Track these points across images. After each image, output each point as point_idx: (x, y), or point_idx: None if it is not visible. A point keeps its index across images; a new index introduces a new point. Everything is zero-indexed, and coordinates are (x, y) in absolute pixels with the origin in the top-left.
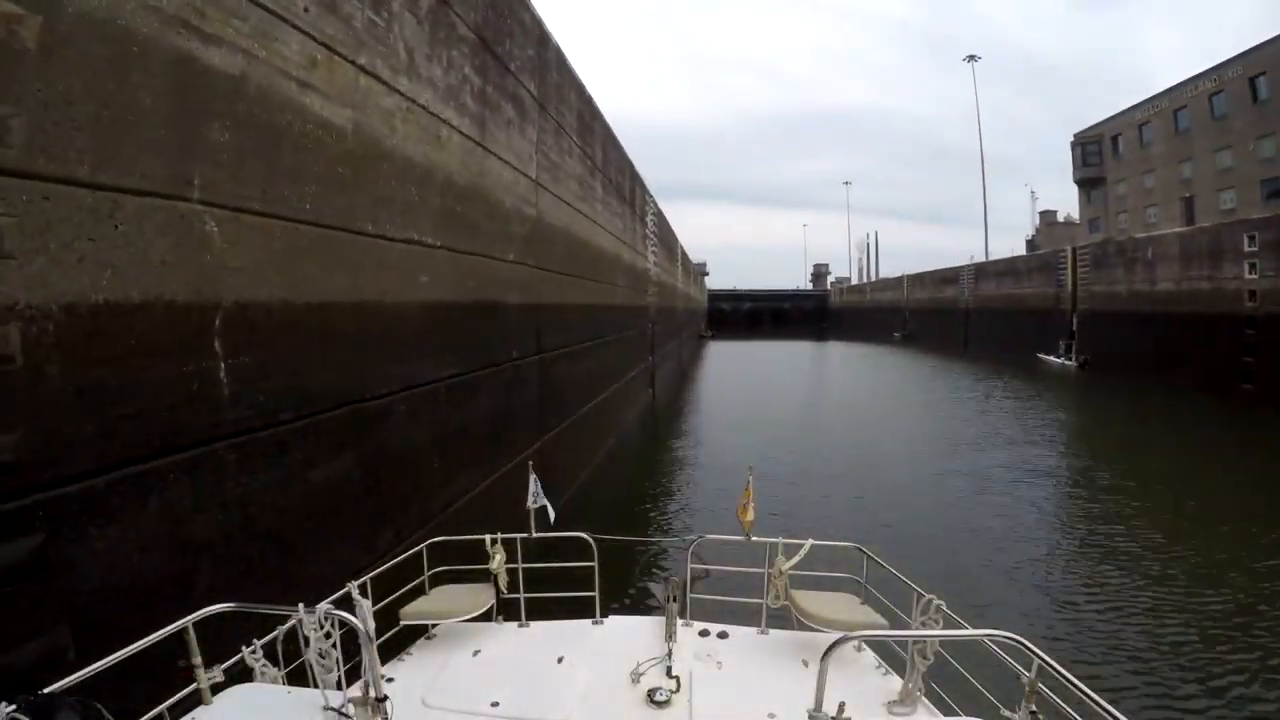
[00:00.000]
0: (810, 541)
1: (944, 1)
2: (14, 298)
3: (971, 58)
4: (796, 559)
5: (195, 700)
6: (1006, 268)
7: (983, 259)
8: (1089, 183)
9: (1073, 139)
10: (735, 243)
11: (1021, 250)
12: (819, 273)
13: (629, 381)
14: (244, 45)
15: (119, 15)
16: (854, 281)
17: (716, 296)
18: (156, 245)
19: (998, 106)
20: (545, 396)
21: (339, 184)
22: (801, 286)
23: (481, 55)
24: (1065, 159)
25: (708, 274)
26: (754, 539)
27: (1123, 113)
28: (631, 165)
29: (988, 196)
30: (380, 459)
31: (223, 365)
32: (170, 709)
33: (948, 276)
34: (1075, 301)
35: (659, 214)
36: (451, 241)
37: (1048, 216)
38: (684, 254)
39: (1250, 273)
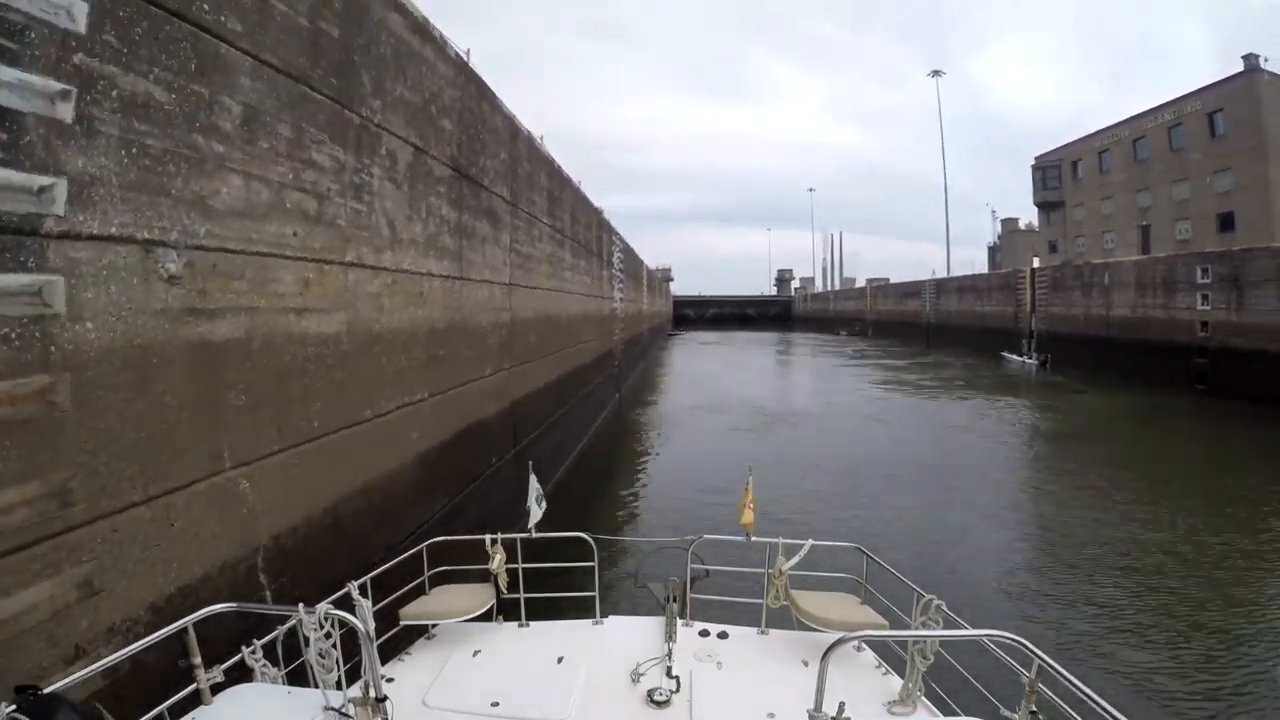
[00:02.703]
0: (810, 541)
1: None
2: None
3: (936, 73)
4: (796, 559)
5: (195, 700)
6: (968, 284)
7: (945, 270)
8: (1048, 206)
9: (1034, 162)
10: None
11: (984, 256)
12: (782, 278)
13: (596, 426)
14: (244, 303)
15: (136, 337)
16: (818, 282)
17: (681, 303)
18: (206, 519)
19: (987, 172)
20: (519, 491)
21: (338, 386)
22: (765, 292)
23: (457, 185)
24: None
25: (672, 279)
26: (754, 539)
27: (1083, 139)
28: (599, 214)
29: (959, 217)
30: None
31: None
32: (170, 709)
33: (910, 290)
34: (1033, 321)
35: (625, 248)
36: (436, 386)
37: (1009, 224)
38: (649, 273)
39: (1203, 304)
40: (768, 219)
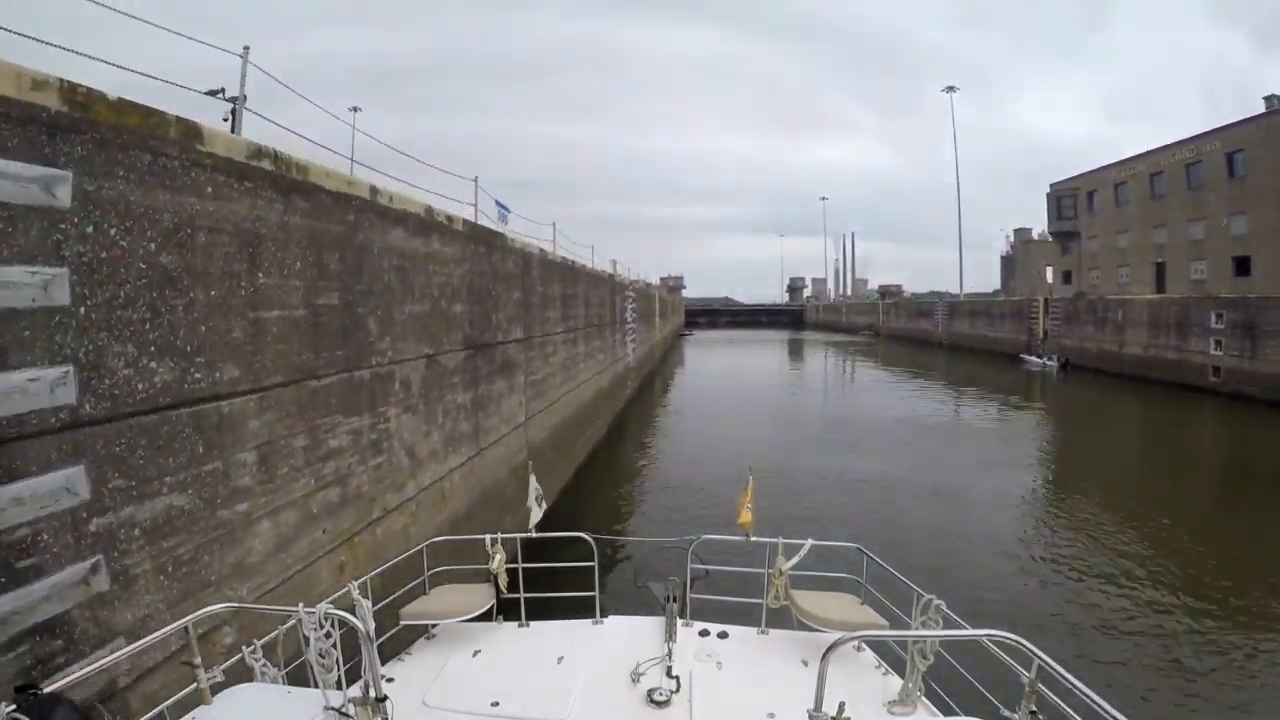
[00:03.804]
0: (810, 541)
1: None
2: None
3: (950, 88)
4: (796, 559)
5: (195, 700)
6: (980, 309)
7: (959, 282)
8: (1063, 235)
9: (1049, 189)
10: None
11: (995, 260)
12: (794, 286)
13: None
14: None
15: None
16: (830, 284)
17: (693, 310)
18: None
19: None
20: None
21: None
22: (777, 299)
23: (471, 363)
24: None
25: (684, 287)
26: (754, 539)
27: (1099, 169)
28: (611, 278)
29: (972, 225)
30: None
31: None
32: (170, 709)
33: (923, 310)
34: (1044, 346)
35: (639, 291)
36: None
37: (1022, 234)
38: (660, 301)
39: (1215, 349)
40: (783, 225)
